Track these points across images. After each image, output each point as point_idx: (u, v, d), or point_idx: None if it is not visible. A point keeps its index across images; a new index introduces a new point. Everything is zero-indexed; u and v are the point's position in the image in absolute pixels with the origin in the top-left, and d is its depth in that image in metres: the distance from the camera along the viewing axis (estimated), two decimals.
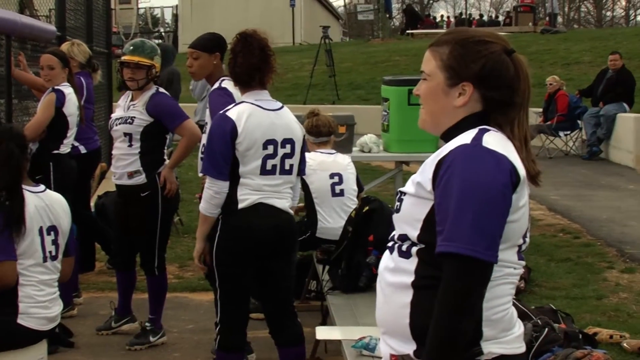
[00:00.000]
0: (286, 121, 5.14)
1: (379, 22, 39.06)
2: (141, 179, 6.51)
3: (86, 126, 7.75)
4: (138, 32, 39.94)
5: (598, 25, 61.59)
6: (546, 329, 5.77)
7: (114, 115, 6.74)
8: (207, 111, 5.86)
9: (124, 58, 6.54)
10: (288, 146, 5.11)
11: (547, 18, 37.18)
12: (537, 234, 10.16)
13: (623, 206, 12.14)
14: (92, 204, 9.03)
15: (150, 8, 49.49)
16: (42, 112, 7.06)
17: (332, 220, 6.94)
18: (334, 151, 7.24)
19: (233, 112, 4.98)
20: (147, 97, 6.51)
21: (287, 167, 5.11)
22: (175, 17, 47.66)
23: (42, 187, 4.99)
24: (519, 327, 2.72)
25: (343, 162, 7.20)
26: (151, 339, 6.69)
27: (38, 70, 7.48)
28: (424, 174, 2.64)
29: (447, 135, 2.72)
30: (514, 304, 2.71)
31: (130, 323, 6.95)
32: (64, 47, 8.05)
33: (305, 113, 7.45)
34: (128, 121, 6.50)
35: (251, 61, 5.04)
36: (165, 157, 6.69)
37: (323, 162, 7.06)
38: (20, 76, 7.92)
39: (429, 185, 2.61)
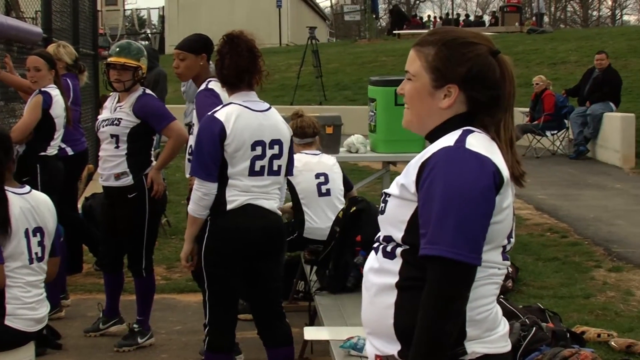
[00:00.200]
0: (274, 122, 5.14)
1: (366, 22, 39.00)
2: (128, 180, 6.50)
3: (73, 128, 7.75)
4: (124, 34, 39.82)
5: (584, 25, 61.73)
6: (534, 328, 5.79)
7: (100, 117, 6.73)
8: (194, 112, 5.86)
9: (110, 60, 6.53)
10: (276, 147, 5.11)
11: (534, 18, 37.21)
12: (525, 233, 10.19)
13: (610, 205, 12.18)
14: (79, 205, 9.02)
15: (136, 9, 49.30)
16: (29, 114, 7.04)
17: (319, 220, 6.95)
18: (319, 152, 7.25)
19: (221, 114, 4.97)
20: (133, 98, 6.50)
21: (275, 168, 5.11)
22: (161, 18, 47.56)
23: (27, 188, 4.96)
24: (504, 326, 2.72)
25: (328, 163, 7.21)
26: (139, 340, 6.68)
27: (24, 72, 7.46)
28: (407, 175, 2.64)
29: (432, 136, 2.72)
30: (501, 304, 2.72)
31: (118, 325, 6.95)
32: (51, 48, 8.04)
33: (289, 114, 7.44)
34: (115, 123, 6.49)
35: (239, 63, 5.04)
36: (153, 159, 6.68)
37: (308, 162, 7.07)
38: (6, 78, 7.90)
39: (412, 188, 2.61)
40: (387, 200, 2.70)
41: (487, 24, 46.16)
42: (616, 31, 30.97)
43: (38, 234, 4.87)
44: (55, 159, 7.28)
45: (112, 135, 6.49)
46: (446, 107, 2.68)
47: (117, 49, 6.57)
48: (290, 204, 7.08)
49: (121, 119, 6.48)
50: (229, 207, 4.98)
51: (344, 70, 27.75)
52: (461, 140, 2.60)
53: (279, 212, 5.27)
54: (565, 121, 17.38)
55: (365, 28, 39.43)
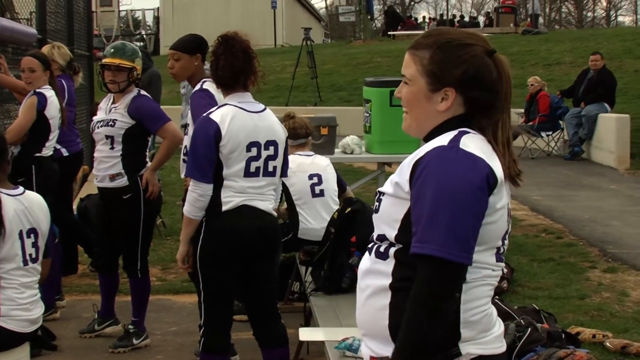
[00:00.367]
0: (269, 123, 5.14)
1: (361, 23, 38.99)
2: (123, 181, 6.49)
3: (68, 129, 7.73)
4: (119, 35, 39.85)
5: (579, 26, 61.85)
6: (529, 329, 5.79)
7: (95, 118, 6.72)
8: (189, 113, 5.86)
9: (105, 60, 6.52)
10: (271, 148, 5.10)
11: (529, 19, 37.21)
12: (520, 234, 10.19)
13: (605, 206, 12.19)
14: (74, 206, 9.01)
15: (131, 10, 49.26)
16: (24, 115, 7.03)
17: (314, 221, 6.94)
18: (312, 153, 7.25)
19: (217, 115, 4.97)
20: (128, 99, 6.50)
21: (270, 169, 5.11)
22: (156, 19, 47.56)
23: (20, 189, 4.95)
24: (499, 327, 2.71)
25: (322, 163, 7.21)
26: (134, 341, 6.67)
27: (19, 73, 7.46)
28: (401, 174, 2.64)
29: (429, 137, 2.71)
30: (496, 304, 2.71)
31: (113, 326, 6.94)
32: (45, 49, 8.03)
33: (281, 116, 7.42)
34: (110, 124, 6.48)
35: (234, 64, 5.03)
36: (147, 160, 6.68)
37: (302, 163, 7.06)
38: (1, 79, 7.89)
39: (406, 186, 2.60)
40: (381, 199, 2.70)
41: (481, 25, 46.14)
42: (611, 32, 30.99)
43: (32, 235, 4.87)
44: (50, 160, 7.27)
45: (107, 137, 6.48)
46: (444, 110, 2.67)
47: (112, 50, 6.56)
48: (285, 206, 7.08)
49: (116, 120, 6.47)
50: (225, 208, 4.98)
51: (339, 71, 27.75)
52: (455, 140, 2.59)
53: (274, 213, 5.26)
54: (560, 122, 17.39)
55: (360, 29, 39.44)
